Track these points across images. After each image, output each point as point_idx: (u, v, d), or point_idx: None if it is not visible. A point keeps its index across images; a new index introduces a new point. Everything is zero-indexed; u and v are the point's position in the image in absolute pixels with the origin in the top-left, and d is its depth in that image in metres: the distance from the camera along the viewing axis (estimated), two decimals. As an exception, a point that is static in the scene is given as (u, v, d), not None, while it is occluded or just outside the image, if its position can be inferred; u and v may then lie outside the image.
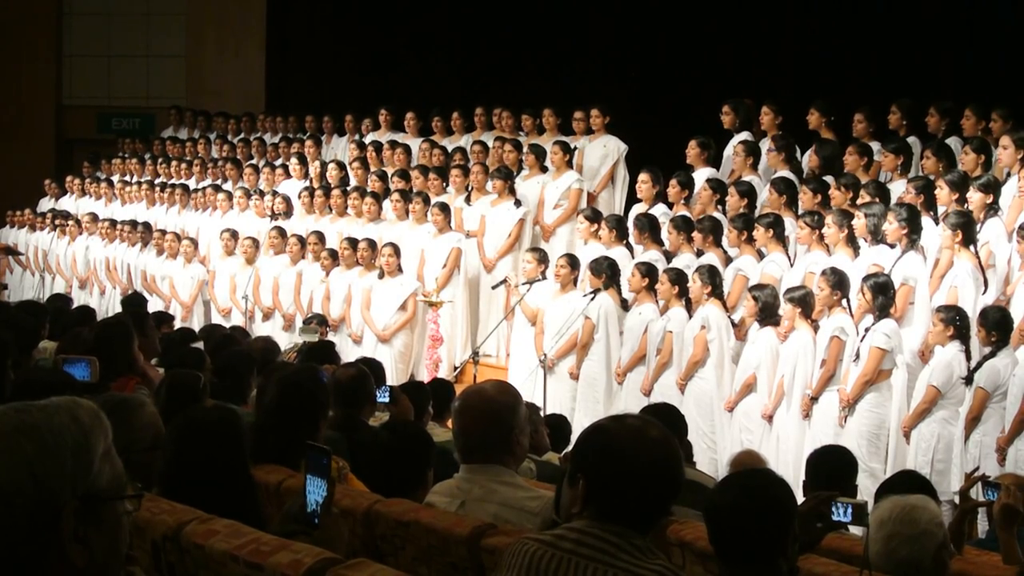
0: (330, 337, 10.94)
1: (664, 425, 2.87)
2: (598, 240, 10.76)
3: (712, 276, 9.29)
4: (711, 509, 3.36)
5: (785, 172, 10.54)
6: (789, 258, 9.62)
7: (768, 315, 8.91)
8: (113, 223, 15.40)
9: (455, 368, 11.43)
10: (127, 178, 17.01)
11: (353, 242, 12.09)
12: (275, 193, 14.01)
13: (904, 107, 10.64)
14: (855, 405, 8.34)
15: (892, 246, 8.83)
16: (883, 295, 8.28)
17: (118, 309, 12.57)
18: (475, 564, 3.70)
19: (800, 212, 9.75)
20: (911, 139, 10.41)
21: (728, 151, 11.43)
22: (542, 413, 8.31)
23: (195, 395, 5.21)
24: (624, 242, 10.66)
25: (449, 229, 11.98)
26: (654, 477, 2.73)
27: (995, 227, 8.78)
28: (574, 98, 13.25)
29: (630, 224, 10.83)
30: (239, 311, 12.94)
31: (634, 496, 2.71)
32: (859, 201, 9.36)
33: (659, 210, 10.97)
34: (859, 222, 8.99)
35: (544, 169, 12.32)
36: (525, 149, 12.54)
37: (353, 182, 13.65)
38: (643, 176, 11.24)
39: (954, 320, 7.97)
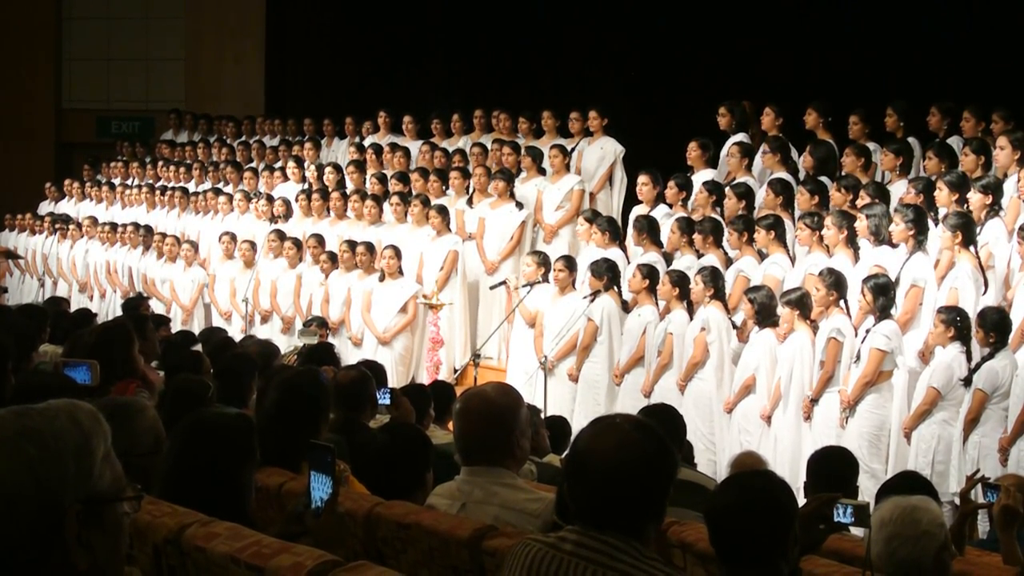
0: (330, 340, 10.92)
1: (660, 426, 2.83)
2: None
3: (715, 278, 9.28)
4: (712, 510, 3.36)
5: (781, 173, 10.54)
6: (791, 259, 9.62)
7: (765, 316, 8.90)
8: (113, 227, 15.40)
9: (455, 370, 11.42)
10: (127, 181, 17.00)
11: (352, 245, 12.07)
12: (270, 198, 13.97)
13: (899, 109, 10.61)
14: (855, 406, 8.32)
15: (895, 247, 8.82)
16: (884, 296, 8.26)
17: (118, 312, 12.55)
18: (476, 566, 3.69)
19: (799, 214, 9.75)
20: (910, 140, 10.41)
21: (723, 153, 11.43)
22: (542, 415, 8.31)
23: (202, 403, 5.17)
24: (617, 243, 10.66)
25: (447, 231, 11.96)
26: (616, 481, 2.65)
27: (995, 228, 8.76)
28: (572, 100, 13.24)
29: (629, 225, 10.84)
30: (239, 315, 12.93)
31: (598, 500, 2.67)
32: (859, 202, 9.34)
33: (660, 211, 10.99)
34: (861, 223, 8.97)
35: (542, 171, 12.32)
36: (523, 151, 12.54)
37: (351, 185, 13.64)
38: (643, 178, 11.25)
39: (955, 321, 7.95)
